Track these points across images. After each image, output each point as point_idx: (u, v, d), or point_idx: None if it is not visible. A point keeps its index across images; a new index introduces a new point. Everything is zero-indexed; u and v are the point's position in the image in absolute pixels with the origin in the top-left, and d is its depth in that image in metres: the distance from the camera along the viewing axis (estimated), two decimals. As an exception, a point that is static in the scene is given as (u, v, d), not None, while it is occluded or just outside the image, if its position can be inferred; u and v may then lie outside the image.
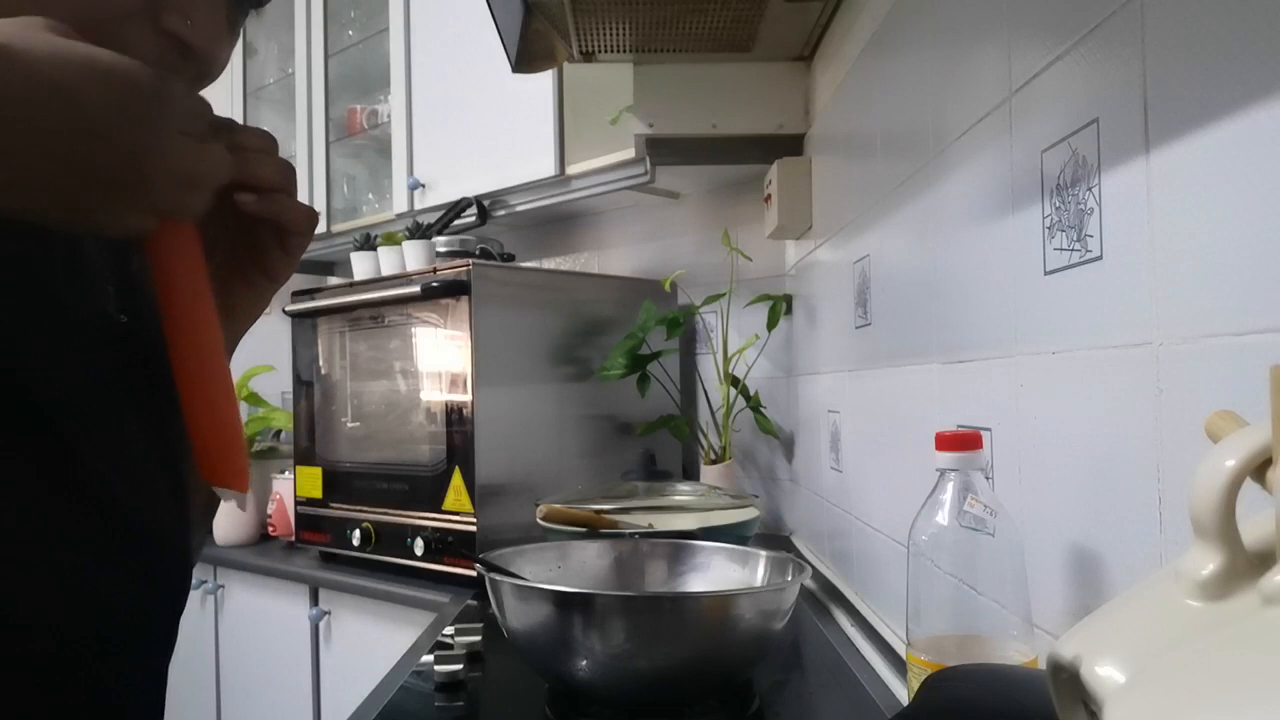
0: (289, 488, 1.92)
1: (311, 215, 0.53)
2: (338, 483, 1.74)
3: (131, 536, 0.51)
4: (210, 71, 0.52)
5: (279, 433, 2.24)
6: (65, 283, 0.51)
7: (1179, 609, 0.30)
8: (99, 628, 0.51)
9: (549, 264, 2.25)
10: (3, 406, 0.45)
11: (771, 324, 1.67)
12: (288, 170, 0.51)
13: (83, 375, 0.51)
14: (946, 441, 0.63)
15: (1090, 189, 0.58)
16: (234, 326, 0.55)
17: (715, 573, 0.97)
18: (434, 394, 1.55)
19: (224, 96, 2.71)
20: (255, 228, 0.53)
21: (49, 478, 0.48)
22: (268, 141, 0.51)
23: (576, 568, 0.99)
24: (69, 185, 0.39)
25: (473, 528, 1.46)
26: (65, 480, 0.48)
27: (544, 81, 1.79)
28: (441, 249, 1.88)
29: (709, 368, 1.81)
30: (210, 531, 0.66)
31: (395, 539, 1.59)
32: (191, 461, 0.59)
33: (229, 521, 2.07)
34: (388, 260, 1.90)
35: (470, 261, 1.52)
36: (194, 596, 2.09)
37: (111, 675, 0.52)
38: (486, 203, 1.96)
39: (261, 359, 2.17)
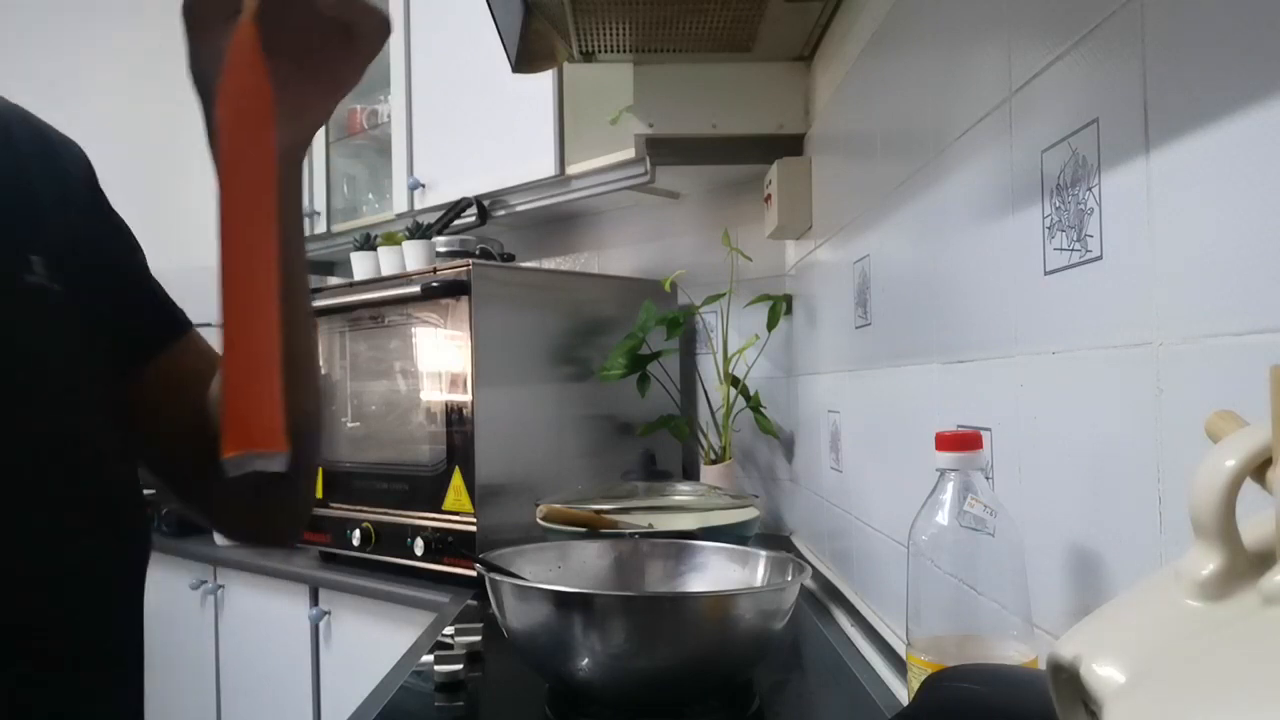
0: (289, 488, 1.92)
1: (386, 22, 0.52)
2: (338, 483, 1.74)
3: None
4: None
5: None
6: None
7: (1179, 609, 0.30)
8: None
9: (549, 264, 2.25)
10: None
11: (771, 324, 1.67)
12: None
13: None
14: (946, 441, 0.63)
15: (1090, 189, 0.58)
16: (297, 130, 0.55)
17: (715, 573, 0.97)
18: (434, 394, 1.55)
19: (224, 96, 2.71)
20: (324, 33, 0.52)
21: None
22: None
23: (576, 568, 0.99)
24: None
25: (473, 528, 1.46)
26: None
27: (544, 81, 1.79)
28: (441, 249, 1.88)
29: (709, 368, 1.81)
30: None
31: (395, 539, 1.59)
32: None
33: (229, 521, 2.07)
34: (388, 260, 1.90)
35: (470, 261, 1.52)
36: (194, 596, 2.09)
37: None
38: (486, 203, 1.96)
39: (261, 359, 2.17)
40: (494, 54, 1.54)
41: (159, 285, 0.68)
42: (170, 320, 0.67)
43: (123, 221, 0.66)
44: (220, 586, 2.05)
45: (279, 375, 0.46)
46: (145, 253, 0.67)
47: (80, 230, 0.60)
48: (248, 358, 0.46)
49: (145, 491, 0.62)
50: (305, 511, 0.69)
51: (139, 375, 0.64)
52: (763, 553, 0.96)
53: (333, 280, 2.64)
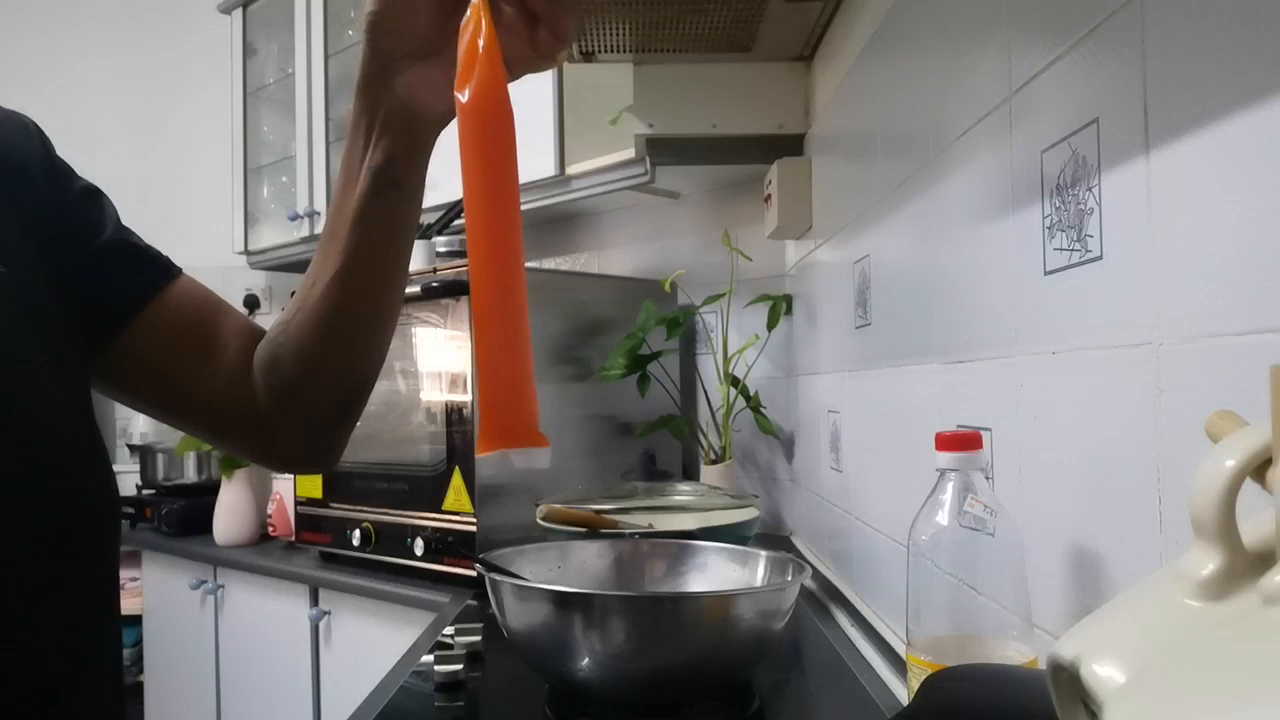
0: (289, 488, 1.92)
1: (577, 27, 0.53)
2: (338, 483, 1.74)
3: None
4: None
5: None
6: None
7: (1179, 609, 0.30)
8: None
9: (549, 264, 2.25)
10: None
11: (771, 324, 1.67)
12: None
13: None
14: (946, 441, 0.63)
15: (1090, 189, 0.58)
16: (450, 110, 0.56)
17: (715, 573, 0.97)
18: (434, 394, 1.55)
19: (224, 96, 2.71)
20: (516, 20, 0.52)
21: None
22: None
23: (576, 568, 0.99)
24: None
25: (473, 528, 1.46)
26: None
27: (544, 81, 1.79)
28: (441, 249, 1.88)
29: (709, 368, 1.81)
30: None
31: (395, 539, 1.59)
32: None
33: (229, 521, 2.07)
34: (388, 260, 1.90)
35: (470, 261, 1.52)
36: (194, 596, 2.09)
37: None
38: (486, 203, 1.96)
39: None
40: (494, 54, 1.54)
41: (137, 238, 0.66)
42: (152, 269, 0.66)
43: (88, 184, 0.65)
44: (220, 586, 2.05)
45: (531, 369, 0.47)
46: (118, 209, 0.66)
47: (29, 206, 0.59)
48: (502, 354, 0.45)
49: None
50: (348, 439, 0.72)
51: (129, 330, 0.63)
52: (763, 553, 0.96)
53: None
